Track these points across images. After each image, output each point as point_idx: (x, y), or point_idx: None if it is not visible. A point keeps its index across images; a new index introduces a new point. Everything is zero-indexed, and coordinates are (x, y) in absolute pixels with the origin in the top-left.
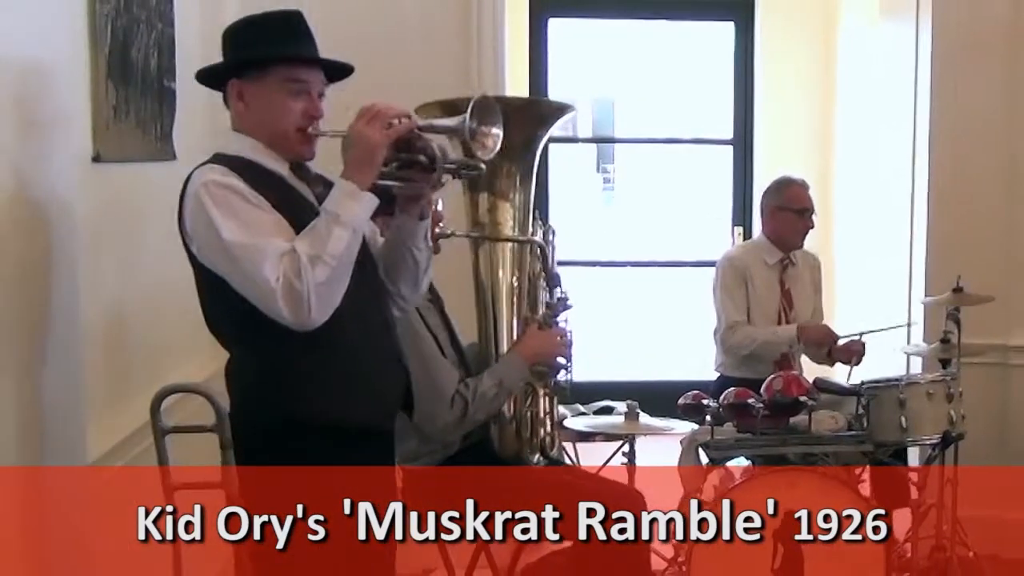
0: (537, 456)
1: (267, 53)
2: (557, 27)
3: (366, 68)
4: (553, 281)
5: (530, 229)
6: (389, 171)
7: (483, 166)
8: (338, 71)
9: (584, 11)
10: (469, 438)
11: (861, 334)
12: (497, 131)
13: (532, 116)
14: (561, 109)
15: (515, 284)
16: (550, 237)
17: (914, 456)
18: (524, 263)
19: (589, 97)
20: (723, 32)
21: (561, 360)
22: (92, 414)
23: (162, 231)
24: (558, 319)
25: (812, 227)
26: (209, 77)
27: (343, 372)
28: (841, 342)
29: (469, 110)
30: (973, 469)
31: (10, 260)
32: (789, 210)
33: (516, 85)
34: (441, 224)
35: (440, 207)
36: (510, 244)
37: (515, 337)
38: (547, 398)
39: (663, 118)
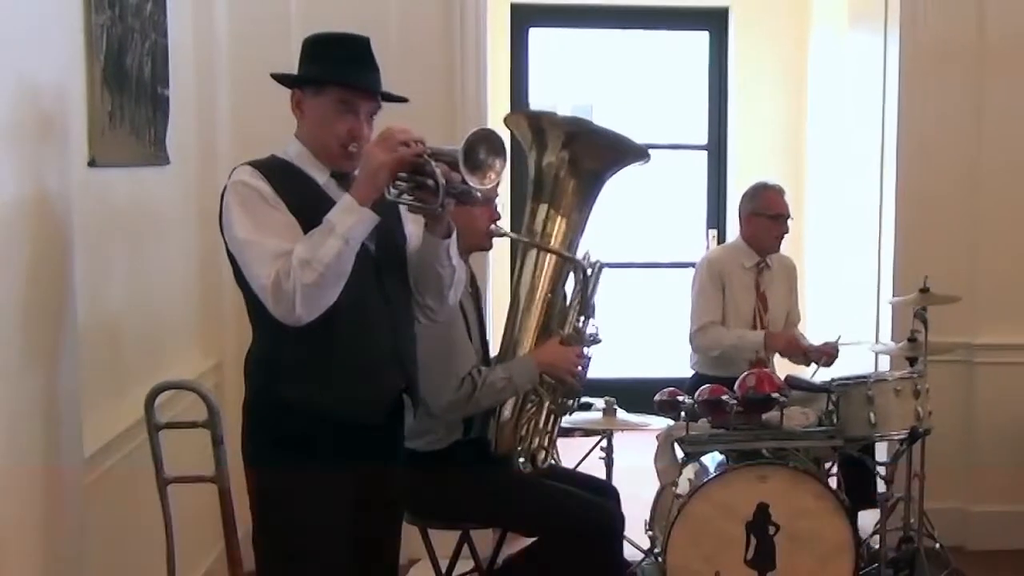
0: (526, 463)
1: (326, 75)
2: (537, 36)
3: None
4: (589, 311)
5: (581, 254)
6: (402, 190)
7: (478, 195)
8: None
9: (563, 21)
10: (470, 431)
11: (827, 344)
12: (500, 164)
13: (614, 151)
14: (642, 154)
15: (549, 295)
16: (596, 269)
17: (882, 451)
18: (562, 279)
19: (568, 104)
20: (698, 41)
21: (570, 379)
22: (89, 410)
23: (156, 233)
24: (583, 348)
25: (787, 231)
26: (281, 78)
27: (332, 366)
28: (814, 340)
29: (465, 141)
30: (939, 463)
31: (9, 262)
32: (764, 215)
33: (498, 93)
34: (497, 223)
35: (499, 207)
36: (554, 257)
37: (536, 342)
38: (550, 414)
39: (640, 124)
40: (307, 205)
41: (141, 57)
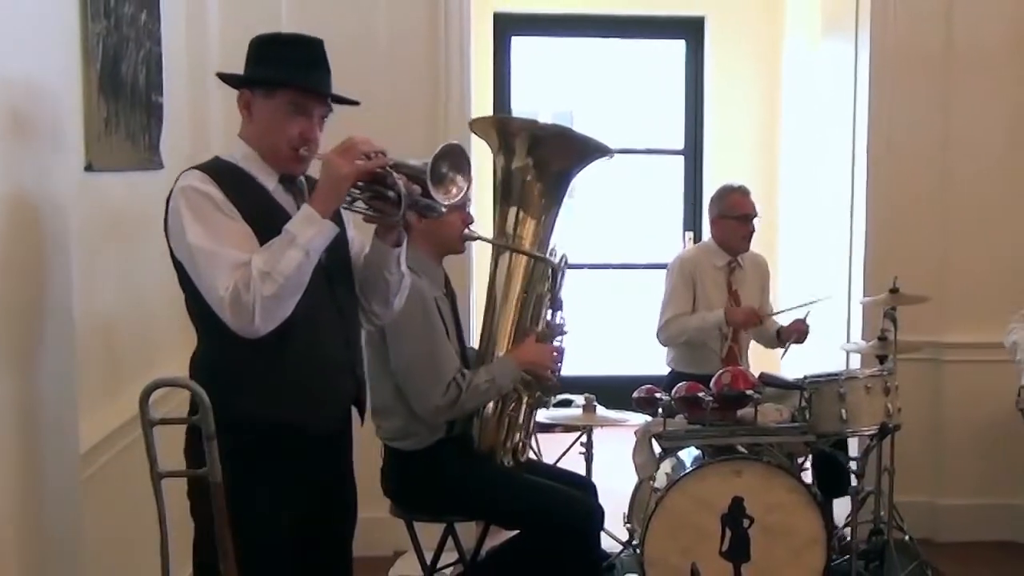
0: (509, 459)
1: (279, 78)
2: (519, 45)
3: (336, 83)
4: (557, 305)
5: (548, 250)
6: (360, 200)
7: (443, 210)
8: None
9: (545, 30)
10: (452, 430)
11: (781, 312)
12: (463, 179)
13: (578, 151)
14: (605, 151)
15: (523, 295)
16: (563, 264)
17: (853, 446)
18: (536, 279)
19: (549, 110)
20: (675, 50)
21: (549, 375)
22: (85, 407)
23: (151, 236)
24: (554, 340)
25: (754, 230)
26: (228, 78)
27: (286, 378)
28: (785, 321)
29: (434, 156)
30: (908, 458)
31: (8, 263)
32: (730, 217)
33: (481, 99)
34: (471, 227)
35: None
36: (527, 258)
37: (512, 341)
38: (528, 408)
39: (619, 129)
40: (259, 212)
41: (136, 65)
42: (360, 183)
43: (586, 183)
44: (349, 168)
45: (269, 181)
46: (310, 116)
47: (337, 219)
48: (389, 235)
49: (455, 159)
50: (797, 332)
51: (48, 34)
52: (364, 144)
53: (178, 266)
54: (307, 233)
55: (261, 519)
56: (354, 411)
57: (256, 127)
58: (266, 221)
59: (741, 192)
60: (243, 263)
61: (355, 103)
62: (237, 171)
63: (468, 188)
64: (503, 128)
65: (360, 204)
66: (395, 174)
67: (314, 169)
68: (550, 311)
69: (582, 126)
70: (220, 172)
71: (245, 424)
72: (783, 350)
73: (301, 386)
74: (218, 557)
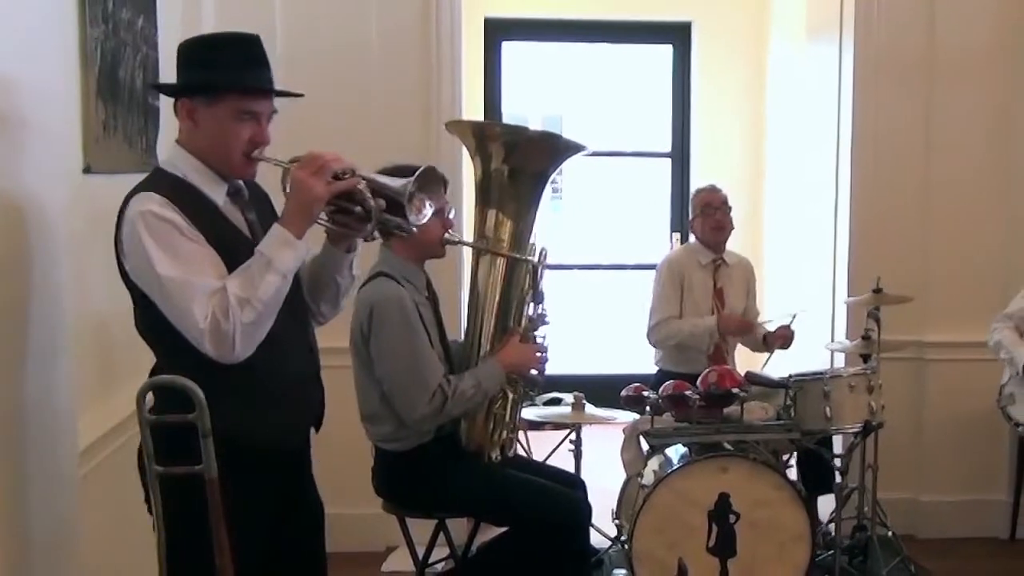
0: (496, 453)
1: (221, 81)
2: (510, 50)
3: (330, 87)
4: (538, 298)
5: (528, 249)
6: (326, 214)
7: (415, 230)
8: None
9: (535, 35)
10: (442, 429)
11: (771, 321)
12: (433, 200)
13: (549, 149)
14: (578, 148)
15: (505, 296)
16: (543, 258)
17: (838, 443)
18: (516, 279)
19: (539, 114)
20: (662, 54)
21: (535, 373)
22: (83, 406)
23: None
24: (536, 333)
25: (725, 221)
26: (164, 88)
27: (255, 394)
28: (771, 327)
29: (414, 178)
30: (892, 455)
31: (8, 264)
32: (699, 213)
33: (472, 103)
34: (450, 231)
35: (452, 215)
36: (507, 259)
37: (496, 342)
38: (514, 403)
39: (607, 133)
40: (216, 233)
41: (133, 69)
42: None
43: (576, 186)
44: (322, 189)
45: (218, 195)
46: (258, 118)
47: (271, 221)
48: (344, 242)
49: (428, 182)
50: (783, 338)
51: (48, 39)
52: (335, 162)
53: (131, 287)
54: (284, 257)
55: (238, 535)
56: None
57: (203, 136)
58: (223, 241)
59: (708, 189)
60: (217, 290)
61: (299, 95)
62: (188, 188)
63: (440, 201)
64: (479, 132)
65: (322, 218)
66: (367, 192)
67: (262, 176)
68: (532, 304)
69: (571, 129)
70: (174, 192)
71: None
72: (769, 355)
73: (272, 400)
74: (191, 559)
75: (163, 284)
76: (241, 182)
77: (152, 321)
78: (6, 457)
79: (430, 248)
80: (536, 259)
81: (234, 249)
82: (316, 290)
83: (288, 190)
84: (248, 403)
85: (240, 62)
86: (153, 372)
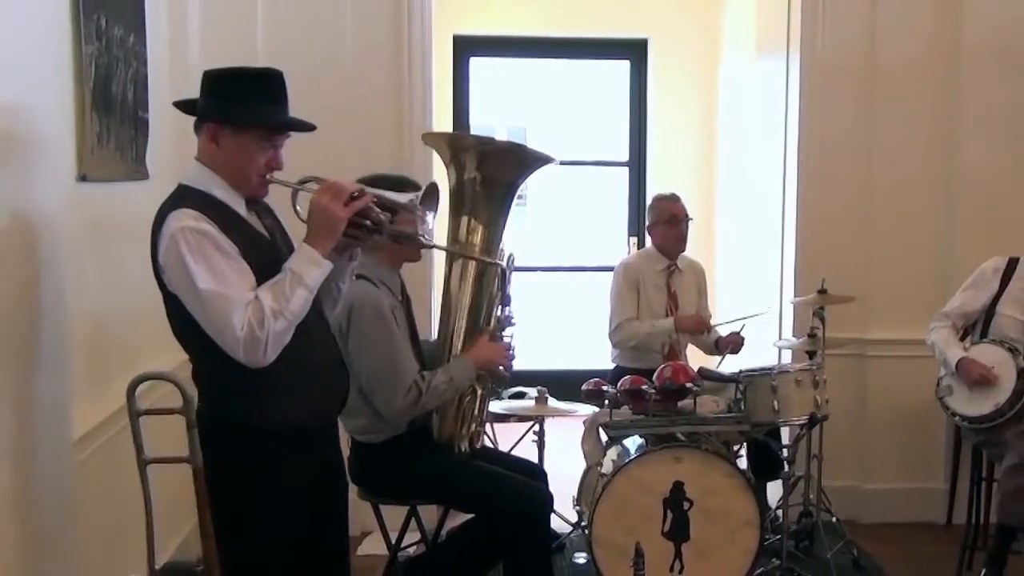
0: (465, 445)
1: (252, 118)
2: (478, 65)
3: (309, 101)
4: (505, 300)
5: (497, 254)
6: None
7: (424, 239)
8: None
9: (501, 51)
10: (414, 423)
11: (729, 322)
12: (433, 215)
13: (519, 160)
14: (546, 159)
15: (475, 297)
16: (511, 263)
17: (785, 434)
18: (486, 282)
19: (505, 125)
20: (620, 69)
21: (502, 370)
22: (77, 399)
23: (138, 241)
24: (504, 333)
25: (686, 232)
26: (187, 107)
27: (293, 381)
28: (723, 332)
29: (421, 194)
30: (836, 445)
31: (7, 266)
32: (661, 222)
33: (442, 115)
34: (425, 236)
35: (430, 221)
36: (478, 263)
37: (467, 341)
38: (482, 399)
39: (569, 143)
40: (246, 244)
41: (125, 84)
42: None
43: (538, 193)
44: (342, 211)
45: (239, 206)
46: (276, 146)
47: (283, 233)
48: (347, 250)
49: (430, 198)
50: (733, 343)
51: (45, 56)
52: (351, 186)
53: (170, 298)
54: (313, 274)
55: (264, 515)
56: None
57: (225, 157)
58: (252, 250)
59: (671, 199)
60: (252, 301)
61: (313, 128)
62: (215, 202)
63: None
64: (454, 143)
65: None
66: (377, 209)
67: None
68: (500, 307)
69: (535, 140)
70: (204, 206)
71: (257, 431)
72: (720, 358)
73: (305, 389)
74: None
75: (202, 298)
76: None
77: (187, 328)
78: (6, 445)
79: (407, 252)
80: (505, 263)
81: (259, 252)
82: (321, 293)
83: (309, 213)
84: (285, 390)
85: (266, 97)
86: (196, 378)
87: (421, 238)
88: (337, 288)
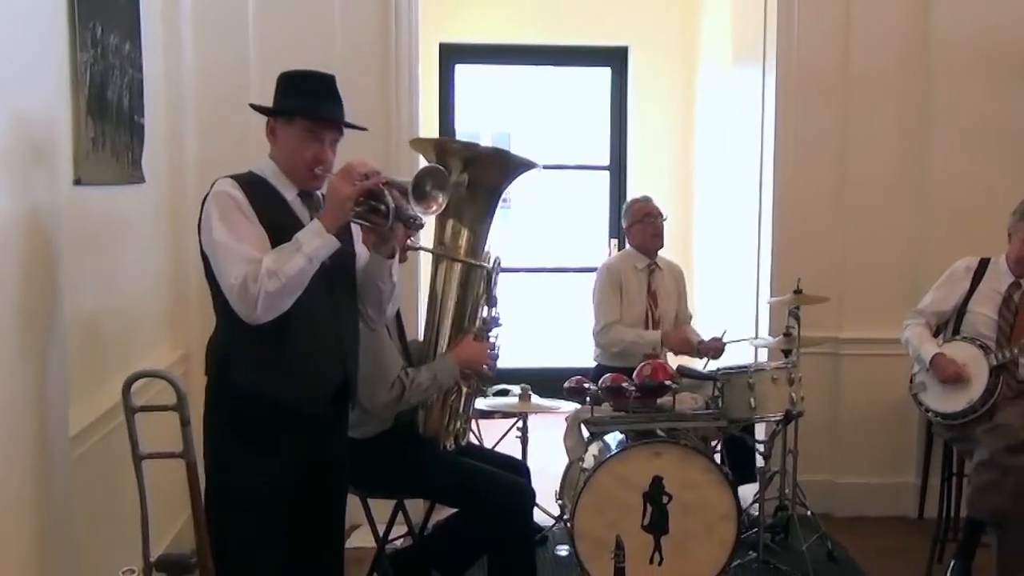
0: (451, 442)
1: (294, 108)
2: (463, 72)
3: None
4: (492, 302)
5: (483, 256)
6: (356, 213)
7: (423, 221)
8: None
9: (486, 58)
10: (400, 419)
11: (713, 339)
12: (443, 196)
13: (503, 165)
14: (530, 165)
15: (460, 298)
16: (497, 266)
17: (761, 431)
18: (471, 283)
19: (490, 131)
20: (601, 76)
21: (486, 369)
22: (74, 396)
23: (132, 243)
24: (489, 333)
25: (662, 228)
26: (259, 109)
27: (280, 360)
28: (706, 339)
29: (416, 174)
30: (810, 441)
31: (6, 268)
32: (636, 221)
33: (428, 120)
34: (412, 239)
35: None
36: (463, 265)
37: (452, 340)
38: (468, 397)
39: (551, 148)
40: (275, 218)
41: (120, 90)
42: (360, 199)
43: (522, 195)
44: (350, 189)
45: (289, 193)
46: (322, 141)
47: (346, 236)
48: (383, 248)
49: (438, 179)
50: (714, 350)
51: (43, 63)
52: (361, 166)
53: (205, 260)
54: (313, 243)
55: (250, 486)
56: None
57: (280, 149)
58: (280, 227)
59: (643, 200)
60: (255, 259)
61: (363, 129)
62: (263, 183)
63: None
64: (440, 148)
65: (359, 216)
66: (387, 191)
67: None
68: (486, 308)
69: (519, 145)
70: (248, 182)
71: (245, 396)
72: (704, 362)
73: (294, 368)
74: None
75: (214, 246)
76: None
77: (218, 295)
78: (7, 440)
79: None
80: (491, 265)
81: (290, 235)
82: (363, 295)
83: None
84: (275, 365)
85: (311, 94)
86: (209, 342)
87: (422, 219)
88: (377, 289)
